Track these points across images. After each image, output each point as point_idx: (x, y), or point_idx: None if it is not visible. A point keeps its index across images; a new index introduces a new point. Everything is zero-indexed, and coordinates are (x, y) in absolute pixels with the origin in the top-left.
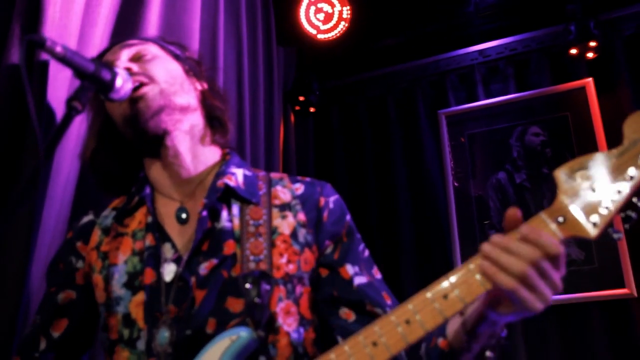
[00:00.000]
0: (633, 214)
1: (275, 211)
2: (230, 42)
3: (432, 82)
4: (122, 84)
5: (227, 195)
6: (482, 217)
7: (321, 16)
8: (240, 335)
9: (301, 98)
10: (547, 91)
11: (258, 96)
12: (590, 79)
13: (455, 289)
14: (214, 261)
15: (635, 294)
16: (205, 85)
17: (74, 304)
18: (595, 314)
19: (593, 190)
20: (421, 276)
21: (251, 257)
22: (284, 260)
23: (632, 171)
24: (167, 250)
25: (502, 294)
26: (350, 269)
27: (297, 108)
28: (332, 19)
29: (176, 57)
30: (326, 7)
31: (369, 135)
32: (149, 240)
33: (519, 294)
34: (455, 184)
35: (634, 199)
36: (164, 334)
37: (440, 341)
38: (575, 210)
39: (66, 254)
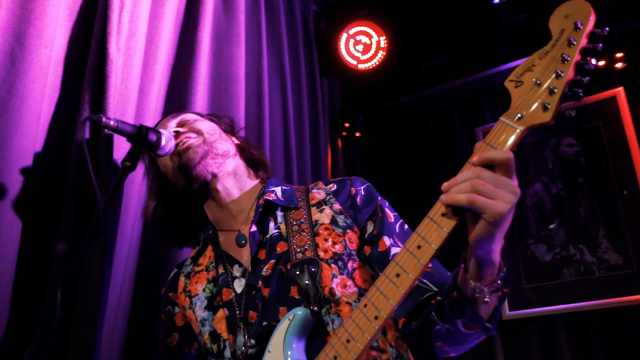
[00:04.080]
0: (579, 90)
1: (313, 209)
2: (275, 80)
3: (468, 101)
4: (166, 142)
5: (271, 208)
6: (521, 227)
7: (360, 47)
8: (296, 314)
9: (347, 124)
10: (579, 103)
11: (304, 126)
12: (620, 88)
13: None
14: (272, 261)
15: None
16: (239, 141)
17: (179, 343)
18: (636, 318)
19: (539, 83)
20: None
21: (298, 250)
22: (329, 243)
23: (565, 55)
24: (236, 270)
25: (470, 219)
26: (387, 240)
27: (344, 134)
28: (370, 49)
29: (212, 120)
30: (364, 39)
31: (411, 154)
32: (221, 269)
33: (478, 203)
34: None
35: (577, 76)
36: (240, 339)
37: (455, 294)
38: (528, 104)
39: (164, 306)
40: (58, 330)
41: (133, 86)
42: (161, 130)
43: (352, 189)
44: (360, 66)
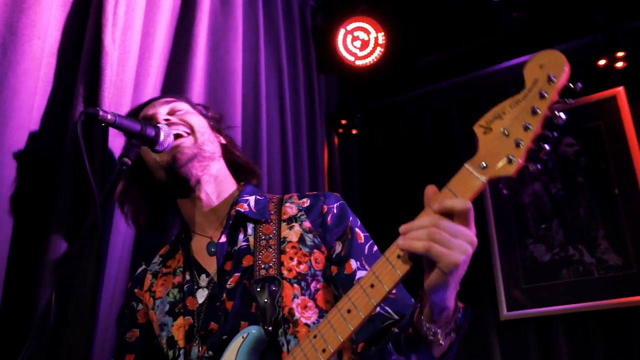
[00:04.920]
0: (546, 145)
1: (284, 225)
2: (272, 75)
3: (467, 99)
4: (165, 137)
5: (242, 220)
6: (520, 227)
7: (358, 44)
8: (250, 332)
9: (343, 121)
10: (579, 102)
11: (300, 122)
12: (621, 88)
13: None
14: (237, 274)
15: None
16: (225, 140)
17: (139, 339)
18: (635, 319)
19: (506, 134)
20: (462, 285)
21: (262, 266)
22: (294, 262)
23: (535, 107)
24: (203, 280)
25: (426, 265)
26: (353, 264)
27: (340, 131)
28: (368, 46)
29: (202, 114)
30: (362, 35)
31: (409, 151)
32: (188, 275)
33: (433, 251)
34: (505, 191)
35: (545, 131)
36: (195, 351)
37: (411, 330)
38: (494, 154)
39: (128, 301)
40: (52, 331)
41: (128, 79)
42: (160, 126)
43: (325, 206)
44: (358, 62)
